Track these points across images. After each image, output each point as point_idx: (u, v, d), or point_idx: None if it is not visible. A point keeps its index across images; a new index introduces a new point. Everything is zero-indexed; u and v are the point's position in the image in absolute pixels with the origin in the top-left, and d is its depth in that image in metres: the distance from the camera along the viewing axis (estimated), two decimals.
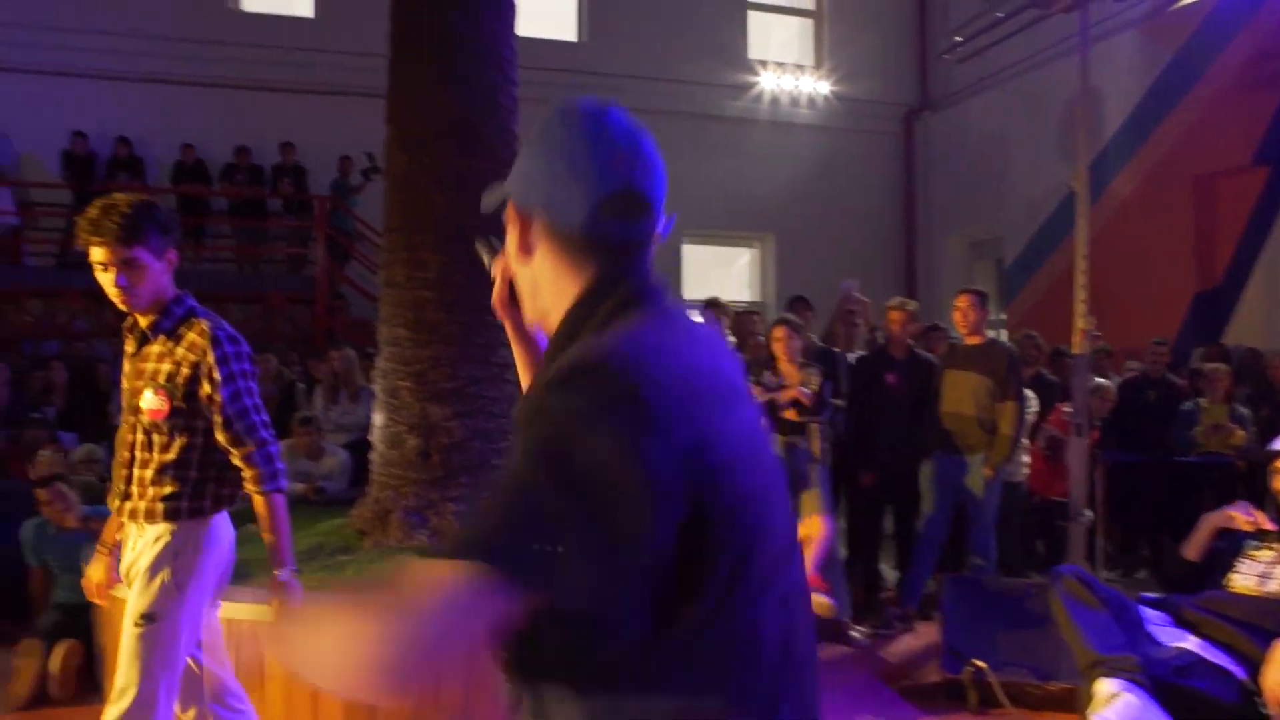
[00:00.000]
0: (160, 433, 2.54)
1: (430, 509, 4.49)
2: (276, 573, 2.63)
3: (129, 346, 2.65)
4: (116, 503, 2.65)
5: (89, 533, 4.64)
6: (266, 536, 2.62)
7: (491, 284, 1.37)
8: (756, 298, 13.66)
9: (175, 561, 2.56)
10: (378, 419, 4.70)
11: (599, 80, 11.35)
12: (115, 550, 2.78)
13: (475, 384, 4.55)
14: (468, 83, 4.66)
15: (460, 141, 4.59)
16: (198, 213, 10.81)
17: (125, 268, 2.47)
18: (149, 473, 2.56)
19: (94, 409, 7.85)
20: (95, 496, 5.30)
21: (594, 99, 1.21)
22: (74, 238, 9.35)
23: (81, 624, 4.38)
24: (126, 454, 2.61)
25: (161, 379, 2.52)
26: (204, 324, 2.56)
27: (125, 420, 2.62)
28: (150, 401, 2.50)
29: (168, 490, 2.56)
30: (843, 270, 11.57)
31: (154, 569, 2.55)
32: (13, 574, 4.93)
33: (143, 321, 2.59)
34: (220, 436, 2.55)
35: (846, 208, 13.19)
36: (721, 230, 13.04)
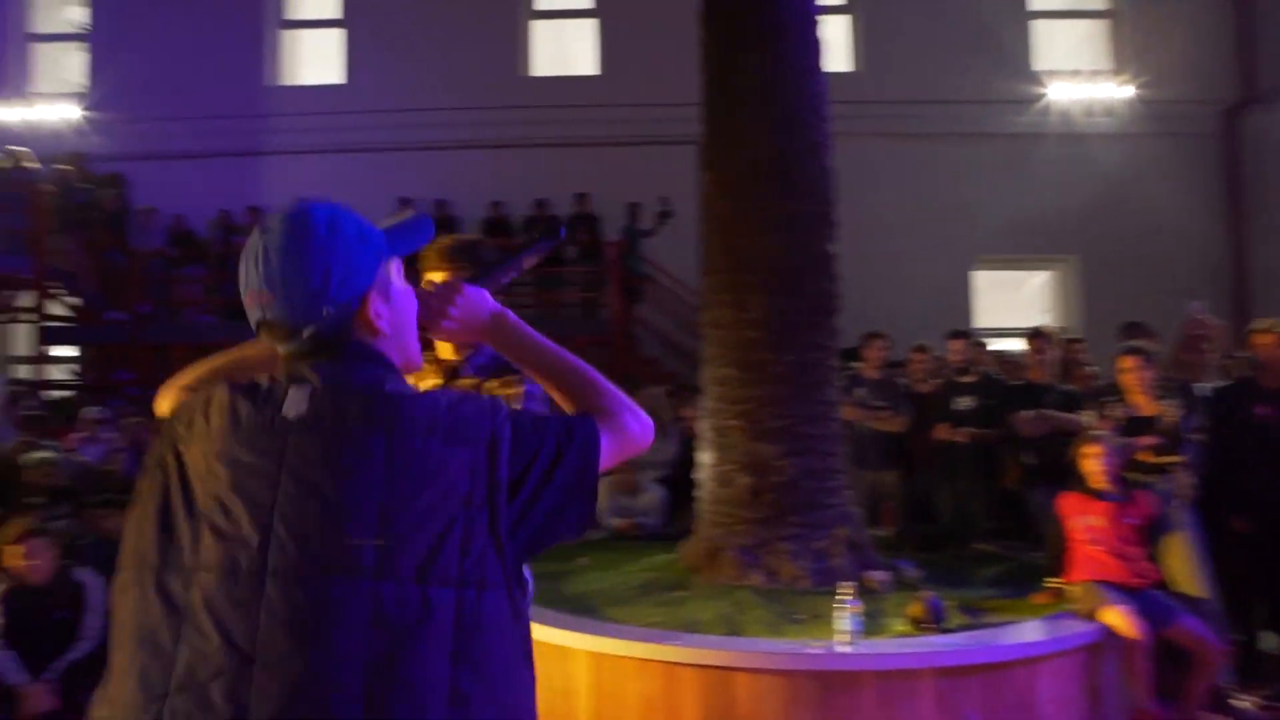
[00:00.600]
0: None
1: (762, 548, 4.51)
2: None
3: (433, 379, 2.62)
4: None
5: None
6: None
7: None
8: (1054, 324, 12.72)
9: None
10: (705, 457, 4.80)
11: (878, 109, 11.18)
12: None
13: (804, 422, 4.54)
14: (784, 124, 4.72)
15: (781, 183, 4.63)
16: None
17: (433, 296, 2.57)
18: None
19: None
20: None
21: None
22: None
23: None
24: None
25: None
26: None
27: None
28: None
29: None
30: (1159, 290, 10.56)
31: None
32: None
33: (449, 354, 2.58)
34: None
35: (1157, 220, 12.00)
36: (1013, 254, 12.30)
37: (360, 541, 1.15)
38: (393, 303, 1.36)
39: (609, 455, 1.35)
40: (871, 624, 3.86)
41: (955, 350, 6.39)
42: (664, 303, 11.34)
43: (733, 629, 3.86)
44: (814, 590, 4.34)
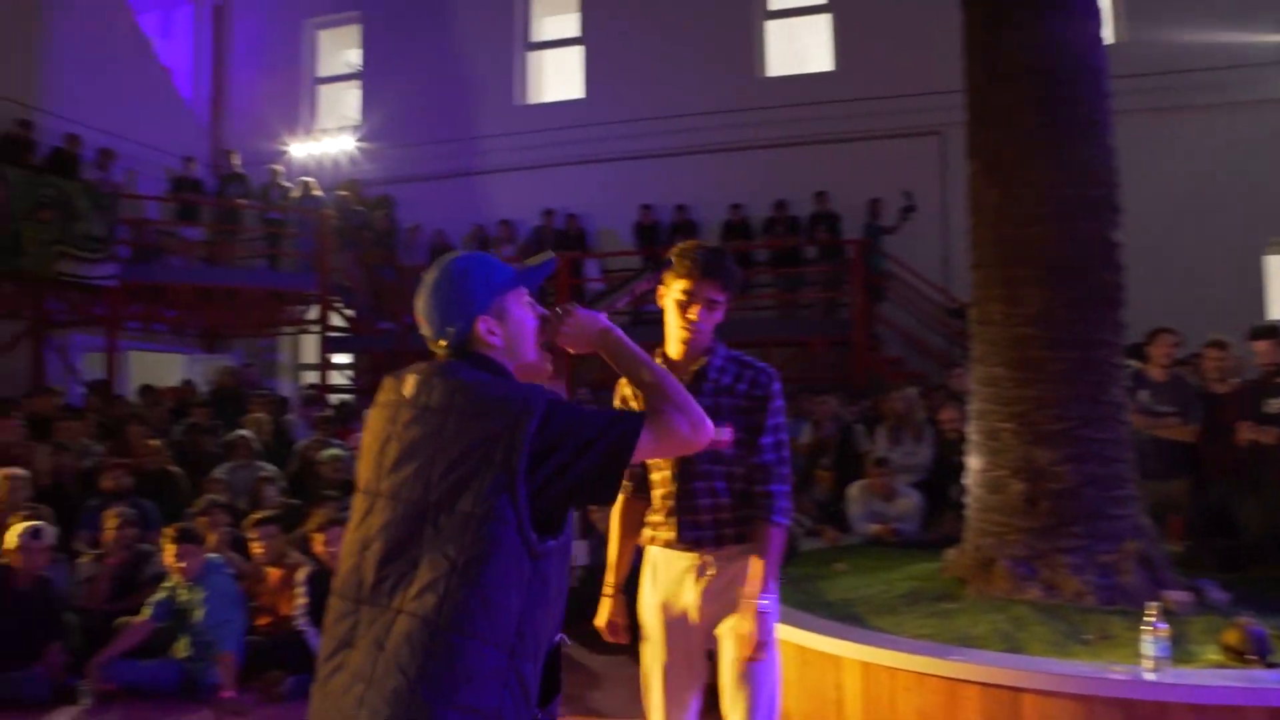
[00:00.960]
0: (722, 461, 2.59)
1: (1039, 560, 4.18)
2: (757, 600, 2.50)
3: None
4: (669, 534, 2.62)
5: None
6: (760, 562, 2.53)
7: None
8: None
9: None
10: (974, 461, 4.52)
11: (1140, 82, 10.17)
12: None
13: (1085, 425, 4.17)
14: (1060, 101, 4.35)
15: (1057, 166, 4.28)
16: (743, 266, 11.69)
17: (707, 305, 2.57)
18: (725, 500, 2.60)
19: None
20: None
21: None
22: (643, 299, 10.48)
23: None
24: (677, 485, 2.62)
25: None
26: (763, 368, 2.68)
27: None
28: (721, 431, 2.54)
29: (741, 514, 2.60)
30: None
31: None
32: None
33: (679, 355, 2.64)
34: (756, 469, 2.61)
35: None
36: None
37: (415, 477, 1.70)
38: (506, 323, 1.85)
39: (647, 447, 1.73)
40: (1175, 651, 3.47)
41: (1262, 351, 5.62)
42: (908, 301, 10.89)
43: (1012, 646, 3.59)
44: (1100, 608, 3.97)
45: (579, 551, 6.13)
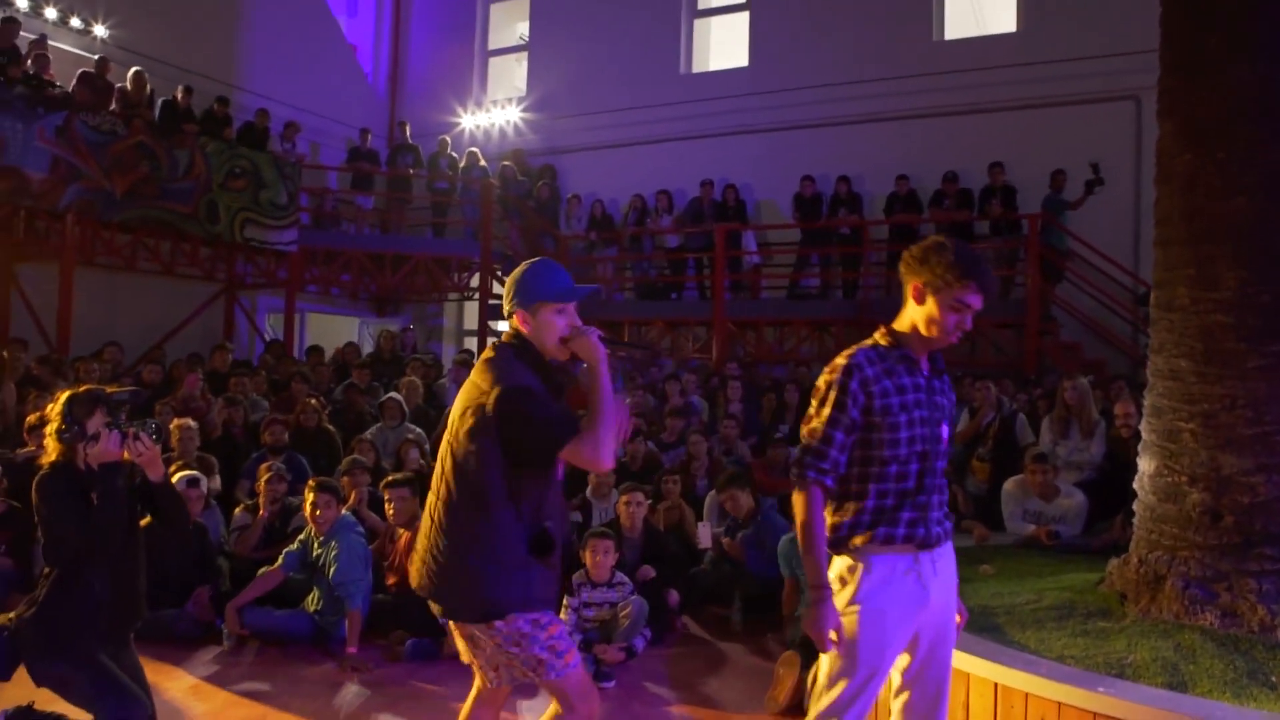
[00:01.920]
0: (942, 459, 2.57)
1: (1220, 582, 3.64)
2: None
3: (907, 378, 2.51)
4: (913, 531, 2.45)
5: None
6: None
7: None
8: None
9: None
10: (1147, 465, 3.99)
11: None
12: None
13: None
14: (1274, 48, 3.72)
15: (1267, 126, 3.67)
16: (909, 241, 11.05)
17: (969, 311, 2.47)
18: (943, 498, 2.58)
19: None
20: None
21: None
22: (802, 271, 10.14)
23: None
24: (925, 480, 2.50)
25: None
26: None
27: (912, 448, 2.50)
28: (946, 432, 2.58)
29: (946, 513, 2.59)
30: None
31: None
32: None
33: (923, 350, 2.55)
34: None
35: None
36: None
37: (449, 420, 2.56)
38: (536, 319, 2.52)
39: (566, 451, 2.41)
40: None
41: None
42: (1090, 282, 9.97)
43: (1176, 680, 3.13)
44: None
45: (703, 534, 5.95)
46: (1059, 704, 2.94)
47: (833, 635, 2.38)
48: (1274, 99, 3.68)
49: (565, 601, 4.77)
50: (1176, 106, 3.97)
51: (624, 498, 5.62)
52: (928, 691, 2.52)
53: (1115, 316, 10.03)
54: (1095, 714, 2.85)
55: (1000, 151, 10.71)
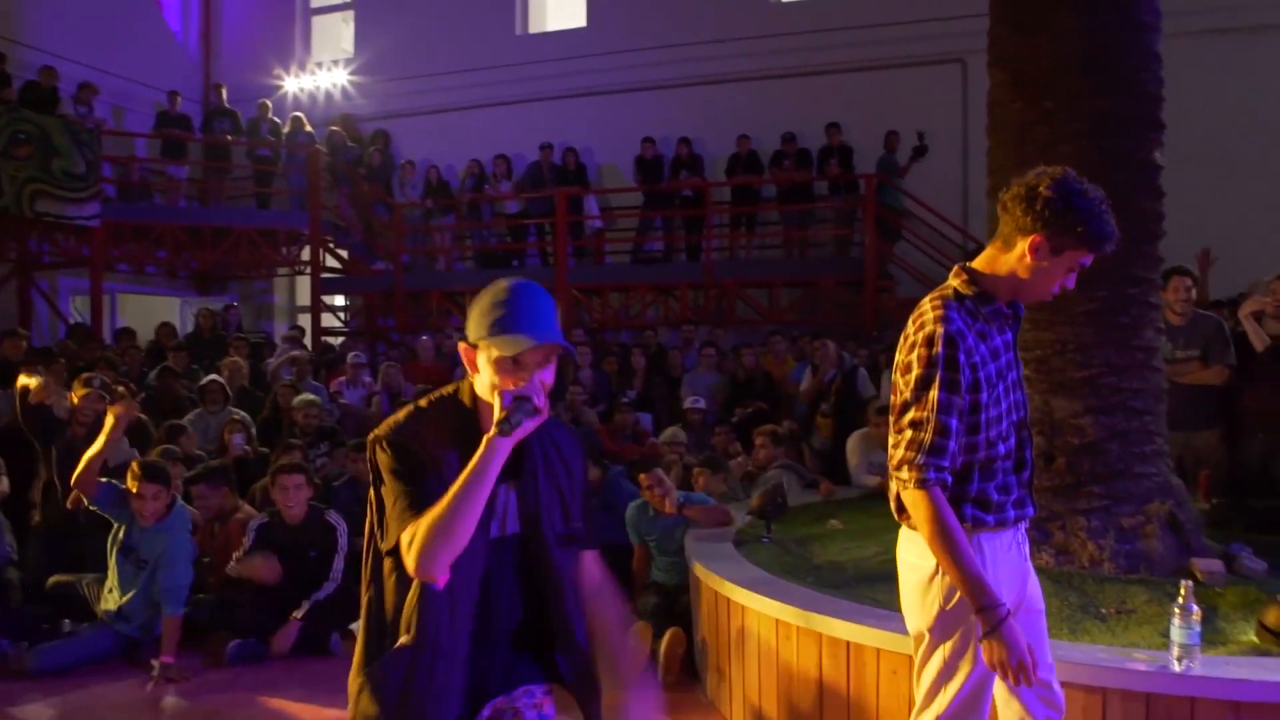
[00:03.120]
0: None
1: (1054, 522, 3.73)
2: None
3: (999, 338, 2.16)
4: (1031, 509, 2.24)
5: (682, 518, 4.71)
6: None
7: None
8: None
9: None
10: None
11: (1191, 1, 9.43)
12: None
13: (1113, 373, 3.69)
14: (1096, 2, 3.78)
15: (1091, 78, 3.73)
16: (750, 202, 11.16)
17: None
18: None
19: (666, 392, 8.39)
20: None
21: None
22: (645, 235, 10.03)
23: (678, 607, 4.45)
24: (1024, 452, 2.22)
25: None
26: None
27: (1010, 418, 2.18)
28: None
29: None
30: None
31: None
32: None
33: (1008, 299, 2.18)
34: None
35: None
36: None
37: None
38: (480, 358, 1.80)
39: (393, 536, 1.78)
40: (1205, 630, 3.02)
41: None
42: (924, 239, 10.31)
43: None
44: (1119, 577, 3.55)
45: None
46: (910, 657, 2.90)
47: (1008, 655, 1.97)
48: (1098, 51, 3.75)
49: None
50: (1006, 58, 4.01)
51: None
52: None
53: (948, 272, 10.39)
54: None
55: (836, 113, 10.89)
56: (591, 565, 1.98)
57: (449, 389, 1.88)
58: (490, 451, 1.69)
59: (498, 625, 1.84)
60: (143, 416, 6.84)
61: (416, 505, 1.71)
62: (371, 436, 1.80)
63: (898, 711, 2.95)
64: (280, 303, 14.33)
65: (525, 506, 1.84)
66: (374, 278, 12.35)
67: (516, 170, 12.16)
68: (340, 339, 12.18)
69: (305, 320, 12.55)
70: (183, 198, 12.26)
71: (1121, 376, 3.70)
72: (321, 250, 12.07)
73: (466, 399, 1.83)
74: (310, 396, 6.88)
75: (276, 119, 12.57)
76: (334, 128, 12.82)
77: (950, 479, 2.05)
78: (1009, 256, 2.12)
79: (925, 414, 2.03)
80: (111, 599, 4.49)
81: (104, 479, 4.51)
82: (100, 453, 4.40)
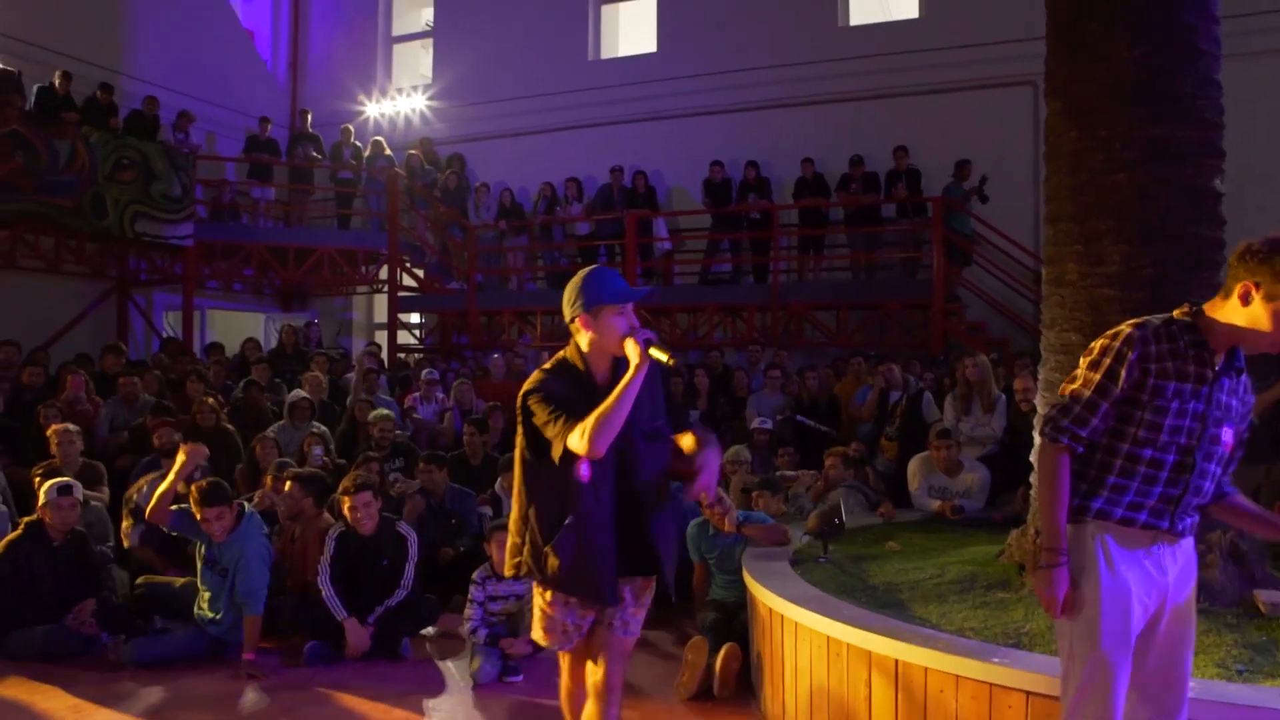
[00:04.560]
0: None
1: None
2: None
3: (1193, 366, 2.28)
4: (1166, 523, 2.32)
5: (741, 537, 4.80)
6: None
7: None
8: None
9: None
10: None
11: (1255, 21, 9.23)
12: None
13: None
14: (1155, 30, 3.80)
15: (1148, 105, 3.75)
16: (817, 224, 11.20)
17: None
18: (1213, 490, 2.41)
19: (731, 412, 8.46)
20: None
21: None
22: (713, 257, 10.12)
23: (736, 623, 4.54)
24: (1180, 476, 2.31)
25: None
26: None
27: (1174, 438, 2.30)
28: (1228, 435, 2.37)
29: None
30: None
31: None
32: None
33: (1224, 346, 2.30)
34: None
35: None
36: None
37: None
38: (597, 322, 2.69)
39: (571, 447, 2.59)
40: (1267, 661, 3.01)
41: None
42: (994, 264, 10.21)
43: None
44: None
45: None
46: (957, 677, 2.96)
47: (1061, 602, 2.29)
48: (1150, 79, 3.77)
49: (469, 595, 4.65)
50: (1062, 87, 4.05)
51: None
52: (1162, 691, 2.34)
53: (1018, 296, 10.29)
54: (991, 684, 2.87)
55: (904, 136, 10.88)
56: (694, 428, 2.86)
57: (558, 356, 2.78)
58: (638, 369, 2.54)
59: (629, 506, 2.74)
60: (229, 426, 7.22)
61: (572, 418, 2.54)
62: (523, 392, 2.69)
63: None
64: (359, 320, 14.82)
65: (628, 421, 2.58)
66: (449, 296, 12.70)
67: (587, 192, 12.40)
68: (415, 355, 12.55)
69: (382, 337, 12.98)
70: (269, 219, 12.82)
71: None
72: (399, 269, 12.47)
73: (575, 358, 2.74)
74: (385, 411, 7.16)
75: (358, 143, 13.07)
76: (412, 151, 13.26)
77: (1082, 449, 2.32)
78: (1227, 304, 2.27)
79: (1082, 389, 2.31)
80: (204, 603, 4.78)
81: (176, 506, 4.79)
82: (170, 488, 4.68)
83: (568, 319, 2.75)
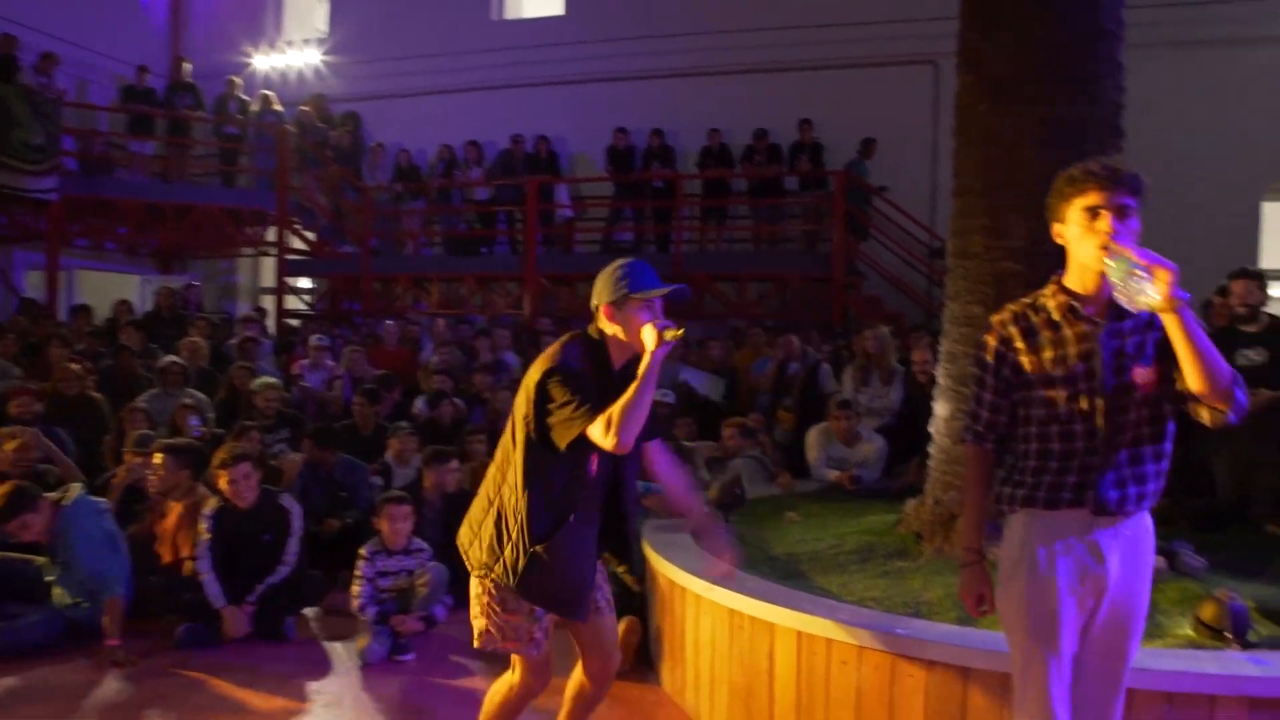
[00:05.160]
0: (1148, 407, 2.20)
1: (1003, 518, 3.76)
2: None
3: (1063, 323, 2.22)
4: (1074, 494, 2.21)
5: (640, 507, 4.70)
6: None
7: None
8: None
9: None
10: (941, 409, 4.09)
11: (1151, 14, 9.56)
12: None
13: None
14: (1063, 10, 3.82)
15: (1058, 83, 3.77)
16: (721, 195, 11.17)
17: (1118, 212, 2.12)
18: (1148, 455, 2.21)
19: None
20: None
21: None
22: (616, 225, 10.04)
23: (637, 598, 4.45)
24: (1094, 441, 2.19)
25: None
26: None
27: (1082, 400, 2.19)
28: (1143, 374, 2.17)
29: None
30: None
31: (1152, 564, 2.29)
32: None
33: (1092, 288, 2.19)
34: None
35: None
36: None
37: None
38: (621, 313, 2.54)
39: (590, 436, 2.43)
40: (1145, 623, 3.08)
41: (1238, 293, 5.11)
42: (891, 239, 10.38)
43: (965, 614, 3.19)
44: None
45: None
46: (859, 648, 2.93)
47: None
48: (1063, 58, 3.78)
49: (358, 571, 4.43)
50: (975, 61, 4.03)
51: (433, 465, 5.31)
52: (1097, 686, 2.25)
53: (914, 272, 10.49)
54: (895, 655, 2.85)
55: (808, 110, 10.93)
56: (659, 448, 2.79)
57: (576, 334, 2.63)
58: (657, 358, 2.40)
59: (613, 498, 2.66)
60: (96, 395, 6.74)
61: (594, 405, 2.39)
62: (544, 371, 2.49)
63: (847, 702, 2.98)
64: (244, 283, 14.15)
65: None
66: (341, 261, 12.23)
67: (488, 157, 12.08)
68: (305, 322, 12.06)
69: (269, 302, 12.40)
70: (146, 174, 12.04)
71: None
72: (287, 231, 11.91)
73: (597, 341, 2.59)
74: (270, 379, 6.79)
75: (245, 97, 12.38)
76: (304, 108, 12.65)
77: (989, 443, 2.33)
78: (1070, 258, 2.26)
79: (972, 382, 2.44)
80: (59, 589, 4.43)
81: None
82: None
83: (593, 306, 2.61)
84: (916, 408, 5.84)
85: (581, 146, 12.24)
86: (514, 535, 2.54)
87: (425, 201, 12.37)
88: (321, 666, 4.22)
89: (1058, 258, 3.70)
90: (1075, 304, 2.20)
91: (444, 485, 5.25)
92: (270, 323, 11.15)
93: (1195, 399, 2.07)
